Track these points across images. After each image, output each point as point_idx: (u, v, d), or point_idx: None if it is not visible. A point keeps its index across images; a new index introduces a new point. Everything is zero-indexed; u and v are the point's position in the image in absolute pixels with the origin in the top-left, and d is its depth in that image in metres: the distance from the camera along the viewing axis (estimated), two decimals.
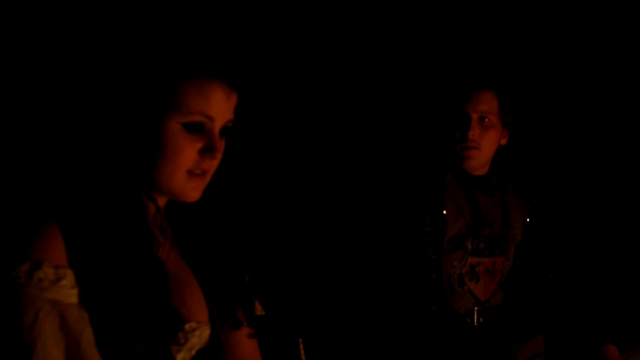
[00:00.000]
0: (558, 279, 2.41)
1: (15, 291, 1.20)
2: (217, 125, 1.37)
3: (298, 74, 2.73)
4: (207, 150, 1.35)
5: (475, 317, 2.30)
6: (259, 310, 1.59)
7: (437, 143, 2.37)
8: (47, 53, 2.02)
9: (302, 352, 1.76)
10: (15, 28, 2.03)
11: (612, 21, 2.84)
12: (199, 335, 1.41)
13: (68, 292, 1.23)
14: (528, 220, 2.43)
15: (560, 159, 2.97)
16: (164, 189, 1.37)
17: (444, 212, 2.27)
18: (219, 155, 1.37)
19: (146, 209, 1.38)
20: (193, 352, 1.41)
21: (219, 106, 1.36)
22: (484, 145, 2.29)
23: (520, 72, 2.80)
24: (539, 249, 2.43)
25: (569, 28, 2.87)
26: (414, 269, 2.20)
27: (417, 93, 2.77)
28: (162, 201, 1.42)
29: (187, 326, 1.39)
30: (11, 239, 1.24)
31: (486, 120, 2.28)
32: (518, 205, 2.43)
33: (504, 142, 2.37)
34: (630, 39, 2.85)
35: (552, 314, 2.36)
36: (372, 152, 2.82)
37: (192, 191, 1.38)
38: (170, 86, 1.33)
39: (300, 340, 1.75)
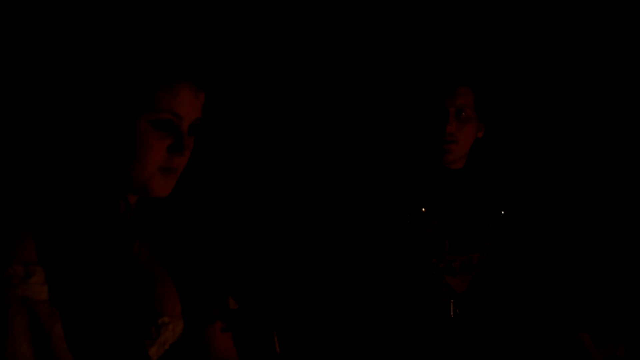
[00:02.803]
0: (534, 269, 2.43)
1: None
2: (185, 123, 1.38)
3: (277, 69, 2.73)
4: (175, 148, 1.37)
5: (452, 310, 2.32)
6: (232, 304, 1.61)
7: (415, 139, 2.38)
8: (17, 54, 2.02)
9: (277, 345, 1.77)
10: None
11: (588, 18, 2.86)
12: (172, 330, 1.42)
13: (38, 288, 1.24)
14: (503, 213, 2.46)
15: (533, 150, 2.99)
16: (135, 185, 1.39)
17: (423, 209, 2.29)
18: (188, 153, 1.40)
19: (117, 205, 1.39)
20: (166, 347, 1.42)
21: (186, 104, 1.37)
22: (462, 139, 2.31)
23: (495, 66, 2.82)
24: (514, 240, 2.45)
25: (545, 23, 2.89)
26: (393, 265, 2.22)
27: (394, 90, 2.77)
28: (133, 198, 1.43)
29: (159, 320, 1.40)
30: None
31: (463, 114, 2.30)
32: (493, 199, 2.45)
33: (480, 134, 2.39)
34: (606, 35, 2.87)
35: (528, 304, 2.38)
36: (350, 148, 2.83)
37: (162, 188, 1.39)
38: (140, 86, 1.34)
39: (275, 333, 1.76)
